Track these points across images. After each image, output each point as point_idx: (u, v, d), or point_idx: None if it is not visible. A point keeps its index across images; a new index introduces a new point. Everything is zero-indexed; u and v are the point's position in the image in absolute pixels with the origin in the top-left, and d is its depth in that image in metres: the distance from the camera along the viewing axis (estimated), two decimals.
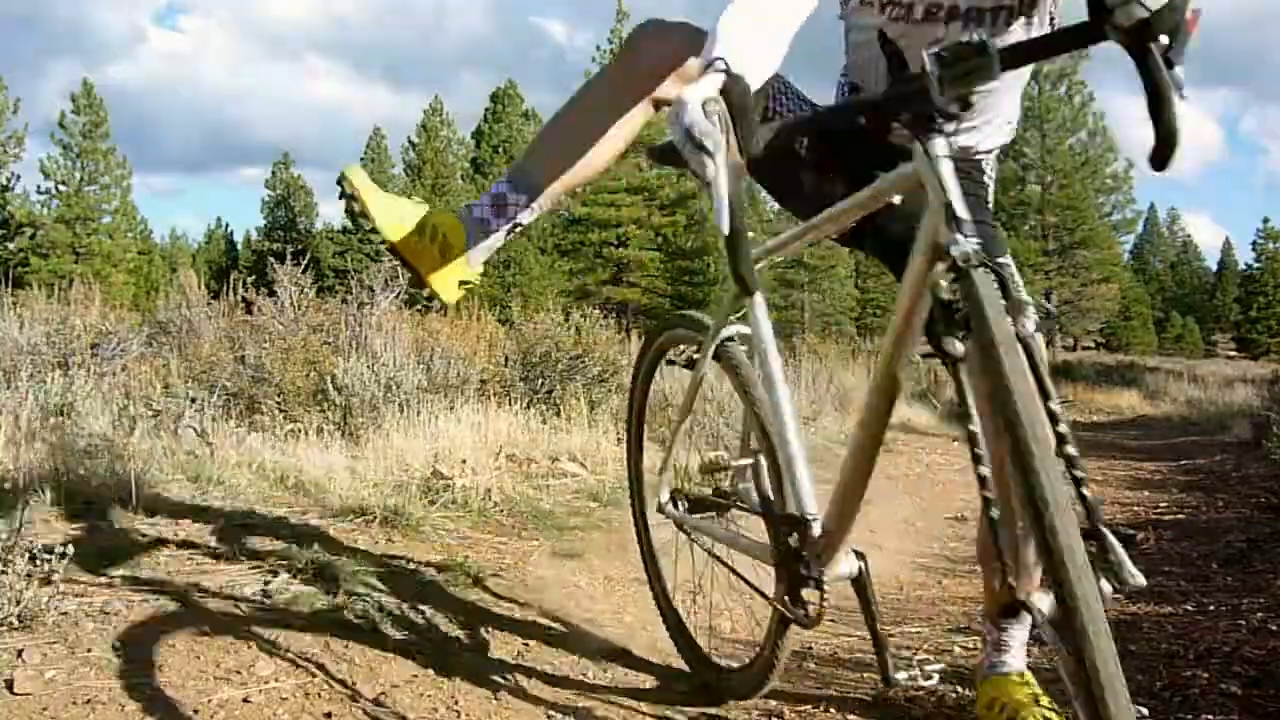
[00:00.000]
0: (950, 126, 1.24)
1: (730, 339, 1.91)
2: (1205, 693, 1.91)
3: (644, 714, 1.92)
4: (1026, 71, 1.67)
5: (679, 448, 2.18)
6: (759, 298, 1.67)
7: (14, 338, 4.23)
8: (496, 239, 1.85)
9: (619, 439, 5.02)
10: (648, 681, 2.09)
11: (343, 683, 1.88)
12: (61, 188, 29.84)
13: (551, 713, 1.89)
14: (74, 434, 3.26)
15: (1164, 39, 1.19)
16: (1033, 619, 1.23)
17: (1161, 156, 1.23)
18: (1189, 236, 63.50)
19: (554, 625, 2.43)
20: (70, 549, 2.44)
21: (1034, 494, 1.04)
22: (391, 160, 39.60)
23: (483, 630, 2.31)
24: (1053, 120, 29.28)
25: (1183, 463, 6.60)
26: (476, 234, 1.85)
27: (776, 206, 5.31)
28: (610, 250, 28.40)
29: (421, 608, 2.36)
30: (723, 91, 1.29)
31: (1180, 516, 4.22)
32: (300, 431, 4.10)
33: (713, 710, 1.91)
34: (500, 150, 30.50)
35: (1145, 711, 1.16)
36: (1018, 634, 1.78)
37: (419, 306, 7.49)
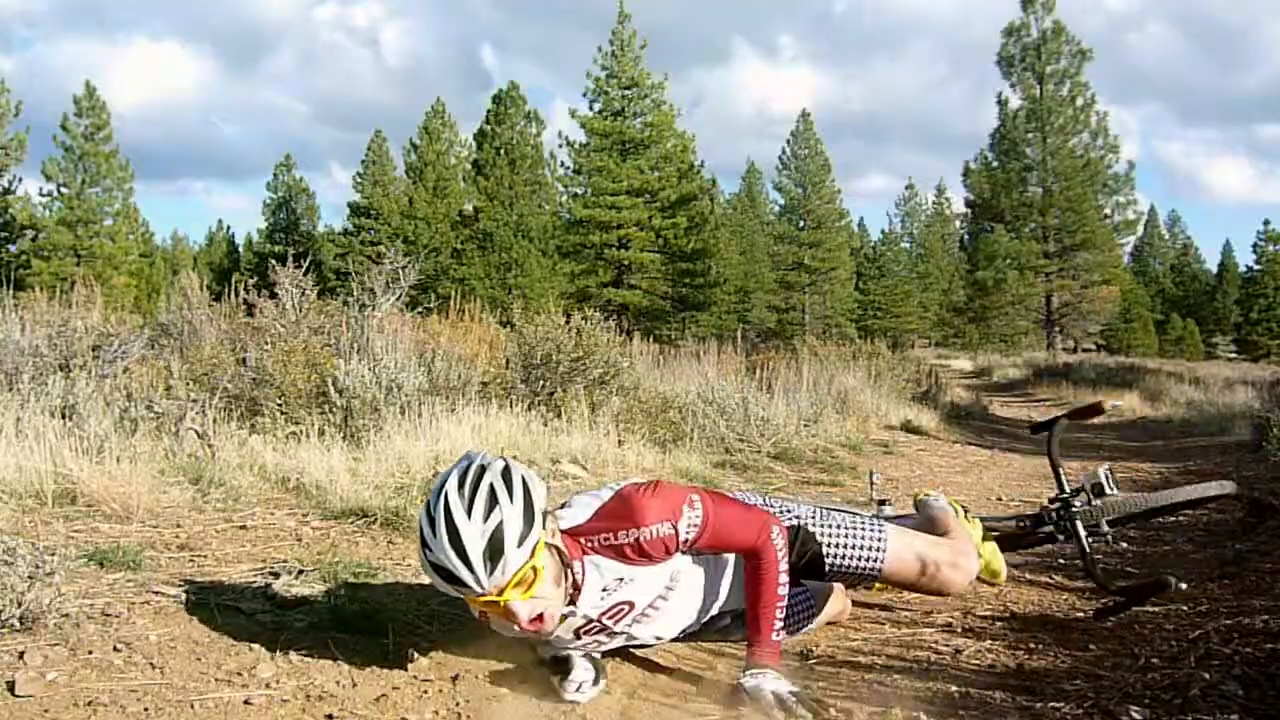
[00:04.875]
0: None
1: None
2: (1205, 693, 1.91)
3: (645, 715, 1.92)
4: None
5: None
6: None
7: (15, 340, 4.23)
8: None
9: (619, 441, 5.02)
10: (647, 682, 2.09)
11: (344, 684, 1.89)
12: (63, 190, 29.87)
13: (551, 714, 1.89)
14: (75, 436, 3.27)
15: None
16: None
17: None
18: (1189, 239, 63.49)
19: None
20: (71, 551, 2.45)
21: None
22: (393, 163, 39.62)
23: (485, 632, 2.31)
24: (1054, 122, 29.26)
25: (1183, 464, 6.61)
26: None
27: None
28: (611, 252, 28.40)
29: (423, 609, 2.36)
30: None
31: (1181, 518, 4.22)
32: (301, 433, 4.10)
33: (715, 712, 1.92)
34: (502, 152, 30.48)
35: None
36: None
37: (420, 309, 7.50)
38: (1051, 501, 2.75)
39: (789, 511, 2.27)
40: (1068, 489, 2.72)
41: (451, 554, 1.72)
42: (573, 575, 1.87)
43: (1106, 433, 9.80)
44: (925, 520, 2.57)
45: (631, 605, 1.98)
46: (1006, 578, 2.78)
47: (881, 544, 2.24)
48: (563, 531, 1.89)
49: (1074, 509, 2.69)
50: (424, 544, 1.77)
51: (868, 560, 2.23)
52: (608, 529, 1.89)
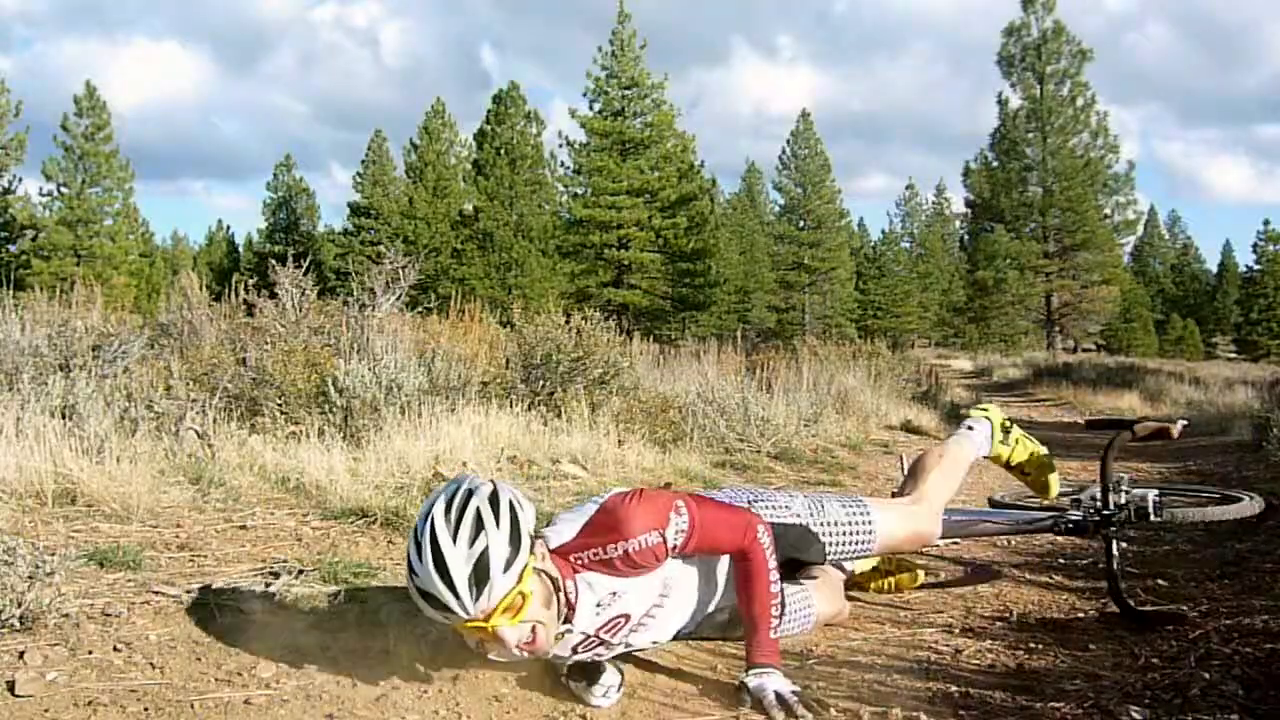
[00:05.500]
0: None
1: None
2: (1205, 693, 1.91)
3: (645, 715, 1.92)
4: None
5: None
6: None
7: (15, 340, 4.23)
8: None
9: (620, 441, 5.02)
10: (647, 682, 2.09)
11: (344, 684, 1.89)
12: (63, 190, 29.87)
13: (551, 714, 1.89)
14: (76, 436, 3.27)
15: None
16: None
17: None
18: (1189, 239, 63.50)
19: None
20: (71, 551, 2.45)
21: None
22: (393, 163, 39.63)
23: None
24: (1054, 122, 29.27)
25: (1184, 464, 6.61)
26: None
27: None
28: (611, 252, 28.41)
29: None
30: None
31: None
32: (301, 433, 4.10)
33: (715, 712, 1.92)
34: (502, 152, 30.48)
35: None
36: None
37: (420, 309, 7.50)
38: (1090, 513, 2.73)
39: (787, 508, 2.32)
40: (1111, 505, 2.70)
41: (437, 580, 1.71)
42: (565, 595, 1.85)
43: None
44: (921, 463, 2.72)
45: (627, 617, 1.98)
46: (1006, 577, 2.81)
47: (872, 530, 2.42)
48: (551, 551, 1.88)
49: (1111, 527, 2.67)
50: (411, 570, 1.76)
51: (861, 547, 2.42)
52: (596, 544, 1.88)
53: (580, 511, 1.97)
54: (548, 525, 1.97)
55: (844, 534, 2.36)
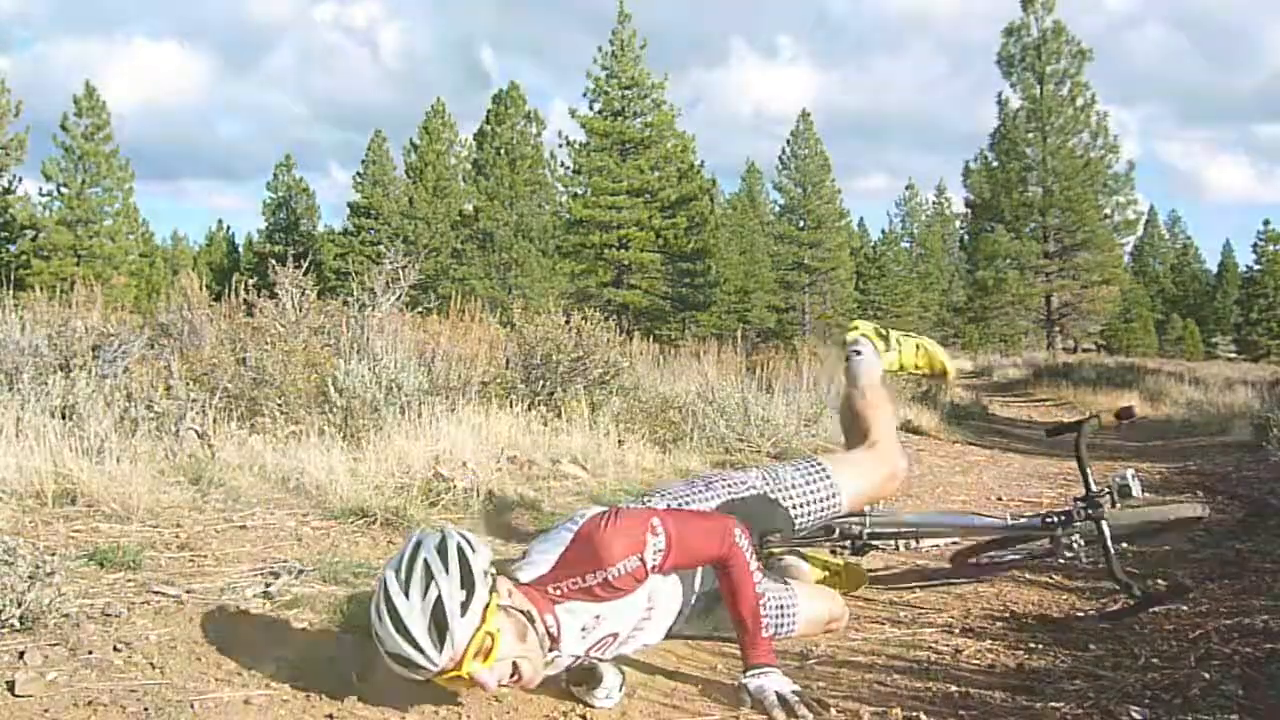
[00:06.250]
0: None
1: None
2: (1205, 693, 1.91)
3: (645, 715, 1.92)
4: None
5: None
6: None
7: (15, 340, 4.23)
8: None
9: (620, 441, 5.02)
10: (647, 682, 2.09)
11: (344, 684, 1.89)
12: (63, 190, 29.87)
13: (551, 714, 1.89)
14: (76, 436, 3.27)
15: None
16: None
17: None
18: (1189, 239, 63.44)
19: None
20: (71, 551, 2.45)
21: None
22: (393, 163, 39.62)
23: None
24: (1054, 122, 29.24)
25: (1184, 464, 6.61)
26: None
27: None
28: (611, 252, 28.39)
29: None
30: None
31: None
32: (301, 433, 4.10)
33: (715, 712, 1.92)
34: (502, 152, 30.48)
35: None
36: None
37: (420, 309, 7.49)
38: (1077, 500, 2.73)
39: (743, 483, 2.34)
40: (1094, 489, 2.71)
41: (399, 639, 1.69)
42: (545, 628, 1.84)
43: (1107, 432, 9.79)
44: (850, 413, 2.72)
45: (615, 635, 1.98)
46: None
47: (835, 488, 2.42)
48: (527, 584, 1.87)
49: (1100, 510, 2.67)
50: (377, 638, 1.74)
51: (829, 507, 2.43)
52: (574, 575, 1.85)
53: (553, 539, 1.94)
54: (522, 557, 1.96)
55: (806, 497, 2.37)
